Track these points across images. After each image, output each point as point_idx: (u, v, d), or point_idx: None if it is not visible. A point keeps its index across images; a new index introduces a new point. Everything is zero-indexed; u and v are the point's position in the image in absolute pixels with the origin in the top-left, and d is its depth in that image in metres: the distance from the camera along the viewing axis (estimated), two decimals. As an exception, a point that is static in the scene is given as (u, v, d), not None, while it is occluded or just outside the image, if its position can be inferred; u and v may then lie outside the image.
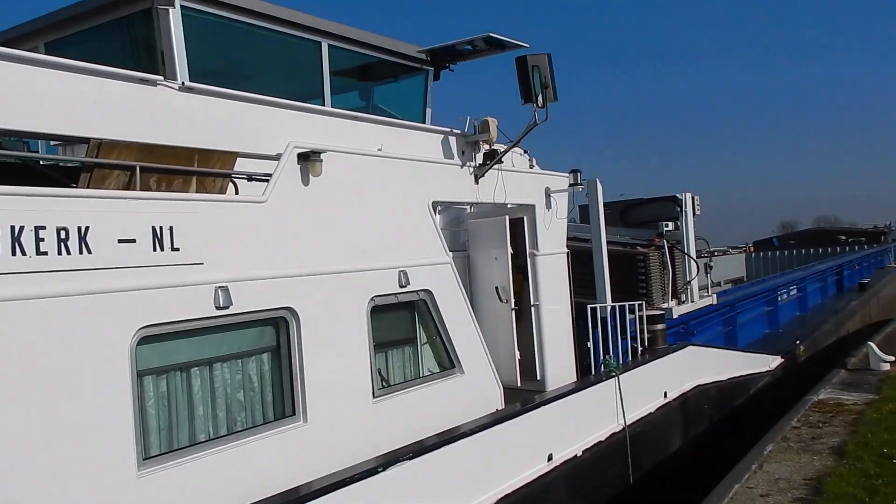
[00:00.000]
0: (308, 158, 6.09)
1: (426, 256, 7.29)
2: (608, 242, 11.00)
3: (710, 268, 13.22)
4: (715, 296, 13.50)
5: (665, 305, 11.58)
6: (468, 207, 9.64)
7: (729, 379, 11.50)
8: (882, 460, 7.11)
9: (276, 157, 6.05)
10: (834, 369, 12.62)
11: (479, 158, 8.37)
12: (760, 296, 17.89)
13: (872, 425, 8.31)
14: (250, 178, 6.05)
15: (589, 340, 9.50)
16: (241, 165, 5.98)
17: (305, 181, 6.13)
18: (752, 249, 55.21)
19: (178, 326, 5.10)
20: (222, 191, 5.76)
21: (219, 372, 5.57)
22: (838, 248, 47.02)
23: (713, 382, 11.04)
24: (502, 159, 8.41)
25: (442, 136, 8.29)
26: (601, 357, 9.57)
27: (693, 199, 12.50)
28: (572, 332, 9.44)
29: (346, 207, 6.58)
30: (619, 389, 8.75)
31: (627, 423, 8.76)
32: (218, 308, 5.28)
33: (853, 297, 24.34)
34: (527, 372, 8.79)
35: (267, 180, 5.95)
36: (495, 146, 8.38)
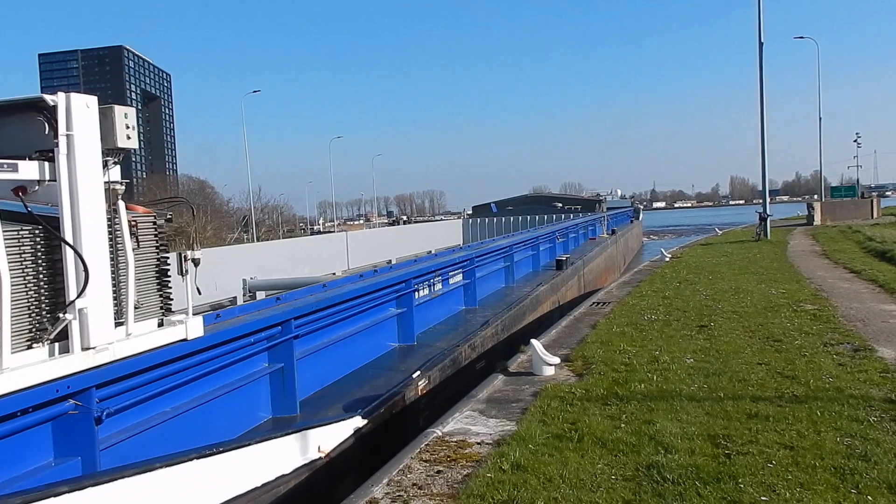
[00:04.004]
0: None
1: None
2: None
3: (195, 263, 6.29)
4: (200, 321, 6.27)
5: None
6: None
7: None
8: None
9: None
10: (493, 374, 9.33)
11: None
12: (378, 294, 10.41)
13: (474, 498, 5.25)
14: None
15: None
16: None
17: None
18: (469, 215, 54.61)
19: None
20: None
21: None
22: (554, 217, 46.33)
23: None
24: None
25: None
26: None
27: (115, 116, 5.36)
28: None
29: None
30: None
31: None
32: None
33: (547, 278, 19.51)
34: None
35: None
36: None
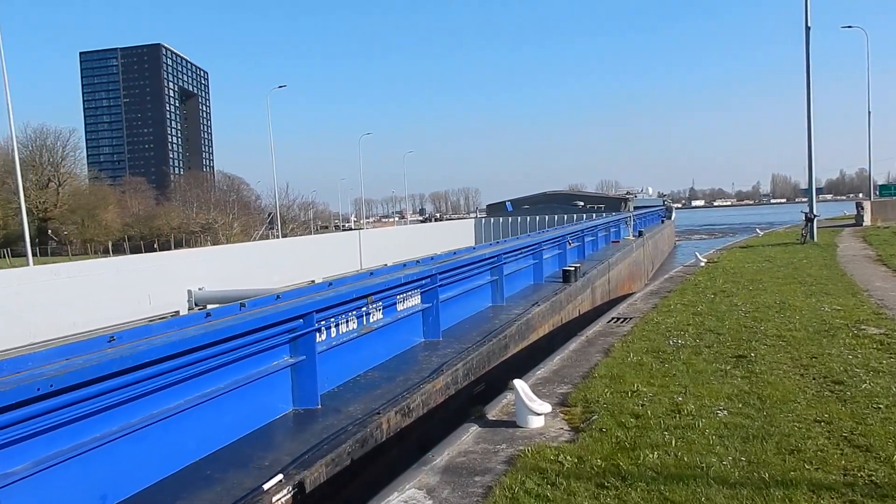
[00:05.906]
0: None
1: None
2: None
3: None
4: None
5: None
6: None
7: None
8: None
9: None
10: (465, 424, 7.14)
11: None
12: (244, 342, 6.56)
13: None
14: None
15: None
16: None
17: None
18: (483, 214, 51.55)
19: None
20: None
21: None
22: (575, 217, 42.62)
23: None
24: None
25: None
26: None
27: None
28: None
29: None
30: None
31: None
32: None
33: (547, 295, 15.67)
34: None
35: None
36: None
